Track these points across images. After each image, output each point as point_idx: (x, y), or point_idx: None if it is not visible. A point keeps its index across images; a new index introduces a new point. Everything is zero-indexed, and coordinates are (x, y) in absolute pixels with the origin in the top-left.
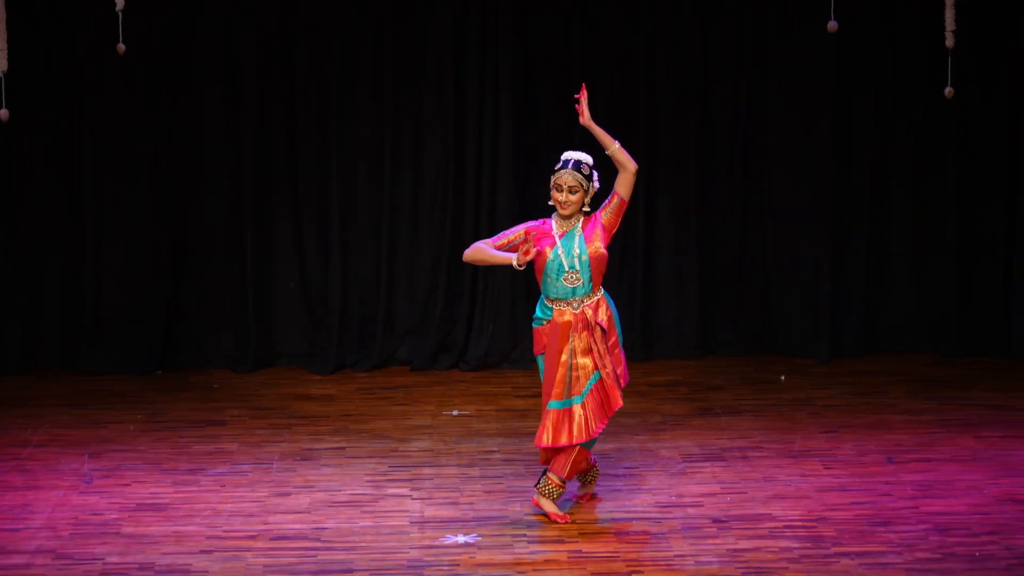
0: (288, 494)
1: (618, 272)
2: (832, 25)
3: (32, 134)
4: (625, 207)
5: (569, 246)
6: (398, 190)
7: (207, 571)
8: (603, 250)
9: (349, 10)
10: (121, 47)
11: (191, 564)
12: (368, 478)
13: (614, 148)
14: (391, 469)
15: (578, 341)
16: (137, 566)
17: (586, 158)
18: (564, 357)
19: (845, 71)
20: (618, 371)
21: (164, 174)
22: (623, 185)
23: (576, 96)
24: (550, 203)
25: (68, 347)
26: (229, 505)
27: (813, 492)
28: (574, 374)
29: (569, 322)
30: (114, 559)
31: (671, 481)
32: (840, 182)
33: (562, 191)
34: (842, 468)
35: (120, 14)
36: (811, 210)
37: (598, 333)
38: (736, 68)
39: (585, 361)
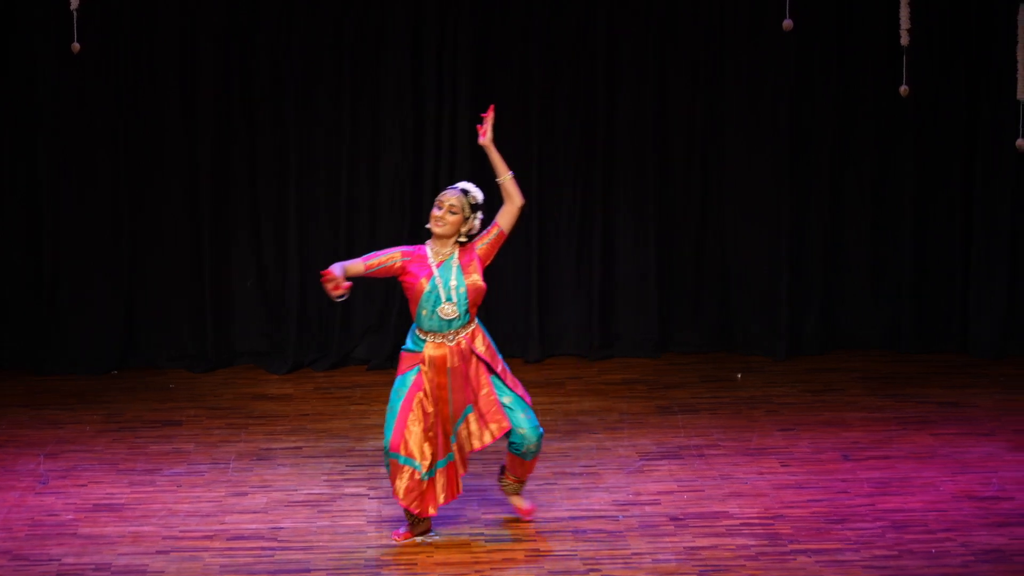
0: (245, 494)
1: (575, 270)
2: (787, 23)
3: None
4: (503, 240)
5: (446, 277)
6: (356, 190)
7: (164, 571)
8: (481, 282)
9: (307, 13)
10: (76, 46)
11: (148, 564)
12: (325, 477)
13: (506, 177)
14: (348, 468)
15: (453, 378)
16: (93, 567)
17: (476, 191)
18: (443, 394)
19: (802, 69)
20: (518, 392)
21: (122, 175)
22: (506, 216)
23: (483, 115)
24: (427, 226)
25: (25, 347)
26: (186, 505)
27: (770, 490)
28: (452, 413)
29: (444, 356)
30: (70, 560)
31: (628, 479)
32: (797, 181)
33: (441, 208)
34: (799, 466)
35: (75, 13)
36: (769, 209)
37: (474, 363)
38: (693, 67)
39: (463, 396)
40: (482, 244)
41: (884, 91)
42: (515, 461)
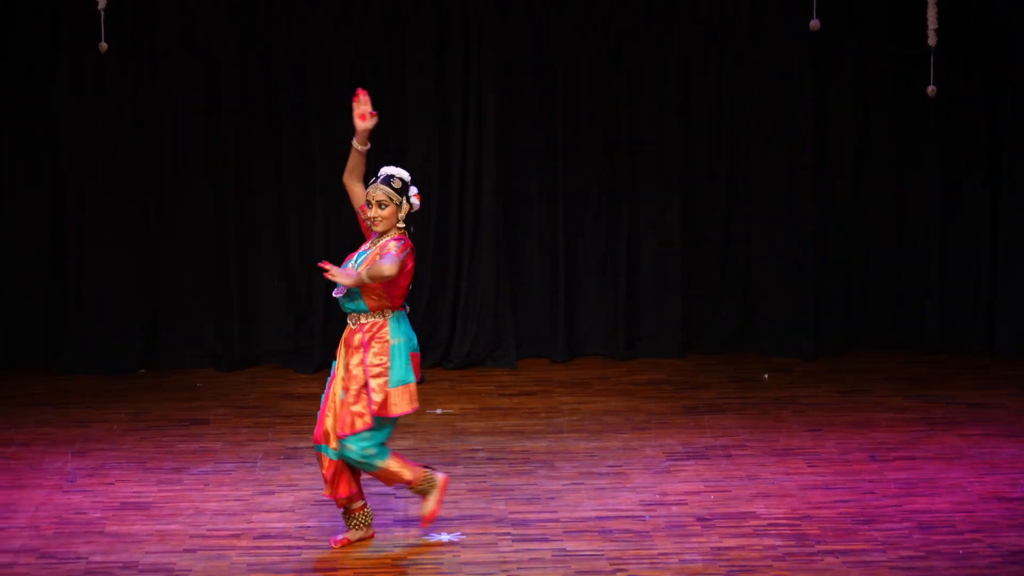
0: (272, 493)
1: (602, 270)
2: (814, 23)
3: (12, 133)
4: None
5: (358, 260)
6: None
7: (191, 570)
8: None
9: (330, 10)
10: (103, 46)
11: (175, 563)
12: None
13: (364, 275)
14: None
15: (340, 359)
16: (121, 565)
17: (400, 172)
18: (341, 373)
19: (825, 71)
20: (374, 404)
21: (147, 173)
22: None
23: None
24: (367, 216)
25: (51, 346)
26: (213, 504)
27: (797, 490)
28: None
29: (344, 336)
30: (98, 558)
31: (655, 479)
32: (821, 180)
33: (371, 207)
34: (826, 466)
35: (102, 13)
36: (793, 209)
37: (356, 360)
38: (717, 68)
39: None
40: (384, 249)
41: (907, 91)
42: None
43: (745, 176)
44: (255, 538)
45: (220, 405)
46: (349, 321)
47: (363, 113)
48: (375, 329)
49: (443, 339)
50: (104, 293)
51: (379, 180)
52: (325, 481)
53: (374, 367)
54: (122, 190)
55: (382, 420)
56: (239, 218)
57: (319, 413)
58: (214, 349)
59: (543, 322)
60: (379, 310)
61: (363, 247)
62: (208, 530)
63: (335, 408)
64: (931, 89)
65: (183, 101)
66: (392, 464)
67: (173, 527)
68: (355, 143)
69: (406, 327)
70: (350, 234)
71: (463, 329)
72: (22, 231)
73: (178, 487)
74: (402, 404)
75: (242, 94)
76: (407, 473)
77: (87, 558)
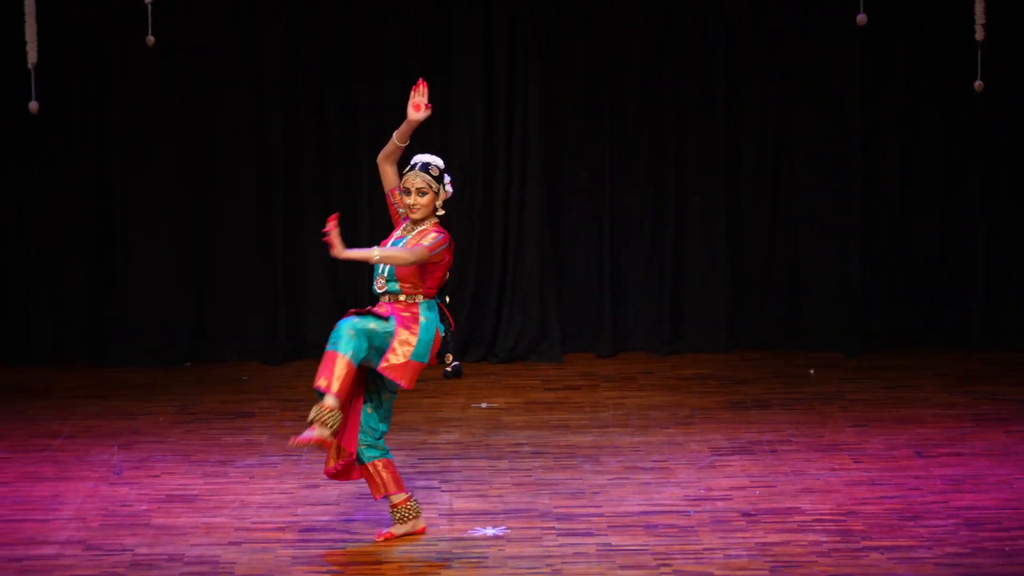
0: (317, 486)
1: (647, 265)
2: (861, 18)
3: (59, 126)
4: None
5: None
6: None
7: (236, 562)
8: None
9: (378, 1)
10: (150, 39)
11: (220, 555)
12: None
13: (376, 254)
14: (420, 461)
15: None
16: (166, 557)
17: (436, 160)
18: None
19: (872, 67)
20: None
21: (192, 165)
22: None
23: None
24: (404, 204)
25: (97, 339)
26: (258, 497)
27: (842, 486)
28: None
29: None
30: (143, 550)
31: (700, 474)
32: (868, 175)
33: (410, 194)
34: (871, 462)
35: (149, 6)
36: (839, 204)
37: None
38: (763, 65)
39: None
40: (428, 244)
41: (955, 86)
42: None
43: (791, 171)
44: (300, 531)
45: (266, 398)
46: (382, 300)
47: (419, 103)
48: (407, 310)
49: (488, 333)
50: (150, 286)
51: (417, 167)
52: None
53: (403, 332)
54: (168, 182)
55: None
56: (285, 210)
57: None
58: (260, 342)
59: (588, 317)
60: (412, 295)
61: (395, 234)
62: (253, 523)
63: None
64: (978, 84)
65: (230, 92)
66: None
67: (218, 520)
68: (396, 137)
69: (435, 314)
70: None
71: (508, 323)
72: (69, 224)
73: (224, 480)
74: (406, 379)
75: (289, 85)
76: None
77: (133, 550)
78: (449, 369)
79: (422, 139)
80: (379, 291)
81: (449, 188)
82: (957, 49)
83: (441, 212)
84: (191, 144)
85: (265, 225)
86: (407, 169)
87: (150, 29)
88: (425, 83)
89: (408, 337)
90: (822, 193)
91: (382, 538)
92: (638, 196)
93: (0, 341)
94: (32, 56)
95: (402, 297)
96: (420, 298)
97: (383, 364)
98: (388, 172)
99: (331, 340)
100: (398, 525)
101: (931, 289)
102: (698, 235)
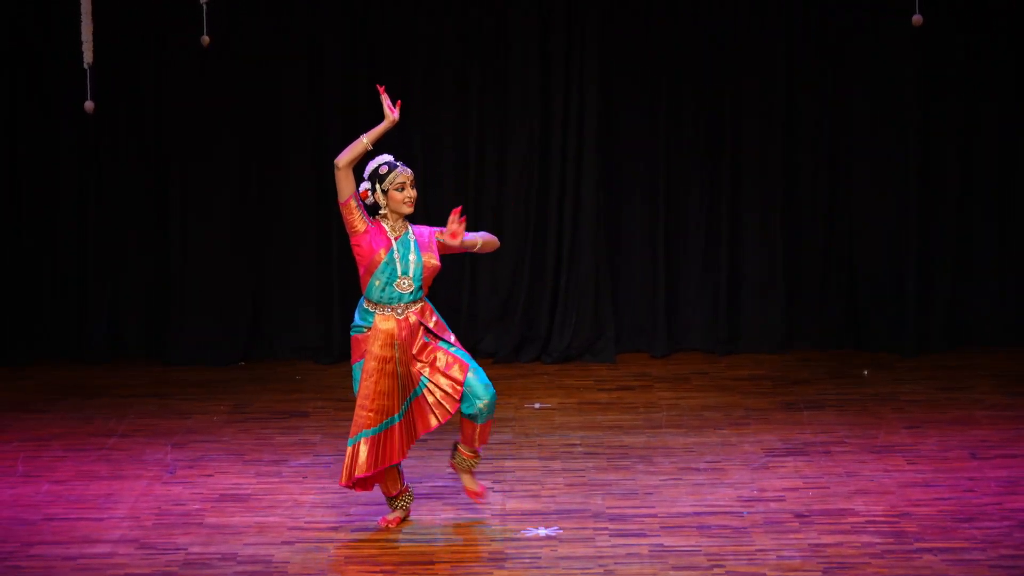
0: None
1: (702, 265)
2: (917, 18)
3: (118, 125)
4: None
5: (404, 251)
6: (482, 181)
7: (289, 562)
8: (436, 261)
9: (434, 5)
10: (206, 39)
11: (273, 555)
12: (450, 470)
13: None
14: None
15: (401, 352)
16: (219, 556)
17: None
18: (391, 367)
19: (929, 65)
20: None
21: (248, 162)
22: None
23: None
24: (370, 202)
25: (153, 337)
26: (311, 496)
27: (896, 487)
28: (402, 382)
29: (392, 330)
30: (196, 549)
31: (753, 475)
32: (925, 175)
33: (403, 189)
34: (925, 463)
35: (205, 6)
36: (896, 205)
37: (420, 336)
38: (820, 67)
39: (411, 370)
40: (440, 238)
41: (1013, 88)
42: (467, 428)
43: (848, 170)
44: (353, 531)
45: (320, 398)
46: (392, 312)
47: (391, 107)
48: (424, 308)
49: (542, 333)
50: (207, 284)
51: (400, 165)
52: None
53: (440, 328)
54: (224, 181)
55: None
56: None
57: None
58: (314, 341)
59: (643, 316)
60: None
61: (384, 241)
62: (306, 522)
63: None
64: None
65: (287, 91)
66: None
67: (272, 519)
68: (368, 139)
69: None
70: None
71: (562, 323)
72: (126, 222)
73: (277, 479)
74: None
75: (346, 80)
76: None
77: (186, 549)
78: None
79: (479, 138)
80: (403, 293)
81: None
82: (1014, 49)
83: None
84: (247, 143)
85: (321, 224)
86: (391, 168)
87: (205, 28)
88: (384, 88)
89: (440, 325)
90: (879, 193)
91: (385, 523)
92: (694, 196)
93: (58, 339)
94: (88, 56)
95: (417, 304)
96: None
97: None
98: (351, 176)
99: (491, 411)
100: (399, 511)
101: (988, 289)
102: (754, 235)
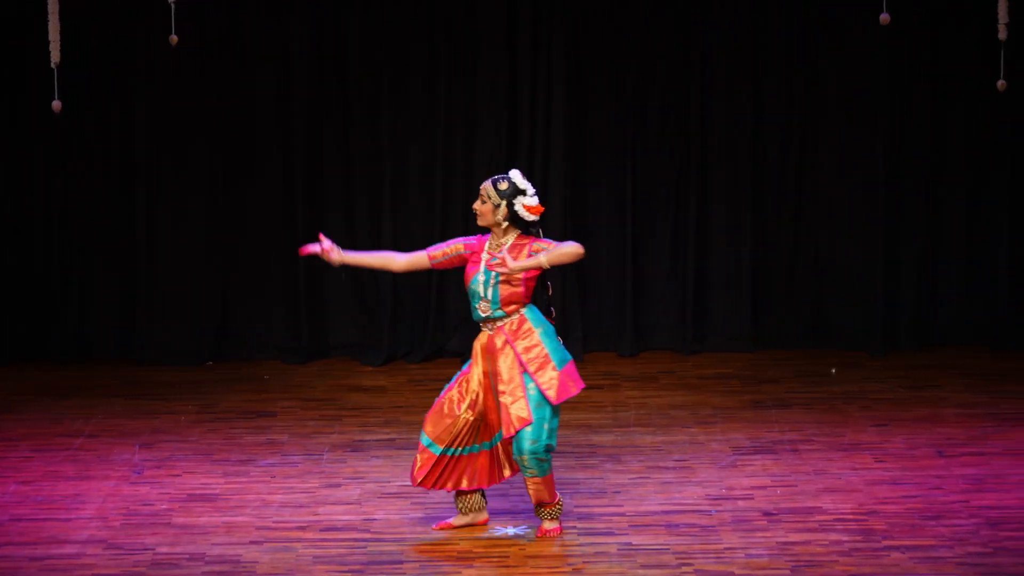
0: (338, 485)
1: (670, 265)
2: (884, 17)
3: (85, 125)
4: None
5: (490, 272)
6: (450, 181)
7: (257, 562)
8: (517, 287)
9: (399, 3)
10: (174, 38)
11: (241, 555)
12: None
13: (543, 260)
14: None
15: (481, 368)
16: (187, 556)
17: (516, 178)
18: (474, 382)
19: (897, 66)
20: (549, 392)
21: (217, 164)
22: (562, 256)
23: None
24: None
25: (121, 338)
26: (279, 496)
27: (863, 485)
28: (477, 410)
29: (484, 345)
30: (164, 549)
31: (721, 474)
32: (893, 175)
33: (477, 199)
34: (893, 462)
35: (173, 6)
36: (864, 203)
37: (506, 358)
38: (788, 64)
39: (483, 395)
40: (538, 246)
41: (980, 86)
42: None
43: (815, 169)
44: (321, 530)
45: (287, 397)
46: (484, 327)
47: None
48: (517, 325)
49: None
50: (175, 285)
51: (493, 178)
52: (420, 470)
53: (532, 361)
54: (192, 181)
55: (556, 409)
56: (308, 210)
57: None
58: (282, 341)
59: (610, 315)
60: (515, 312)
61: (476, 263)
62: (274, 522)
63: (487, 409)
64: (1001, 84)
65: (254, 91)
66: (551, 474)
67: (240, 519)
68: (334, 261)
69: (540, 314)
70: (417, 225)
71: None
72: (94, 222)
73: (245, 479)
74: (572, 386)
75: (314, 83)
76: (554, 490)
77: (154, 549)
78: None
79: (447, 141)
80: (484, 315)
81: (521, 210)
82: (981, 48)
83: (503, 225)
84: (215, 143)
85: (289, 224)
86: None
87: (173, 28)
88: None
89: (542, 363)
90: (847, 192)
91: (439, 528)
92: (661, 195)
93: (26, 339)
94: (55, 56)
95: (507, 320)
96: (522, 308)
97: (551, 396)
98: (411, 265)
99: (540, 468)
100: (460, 516)
101: (956, 289)
102: (722, 234)
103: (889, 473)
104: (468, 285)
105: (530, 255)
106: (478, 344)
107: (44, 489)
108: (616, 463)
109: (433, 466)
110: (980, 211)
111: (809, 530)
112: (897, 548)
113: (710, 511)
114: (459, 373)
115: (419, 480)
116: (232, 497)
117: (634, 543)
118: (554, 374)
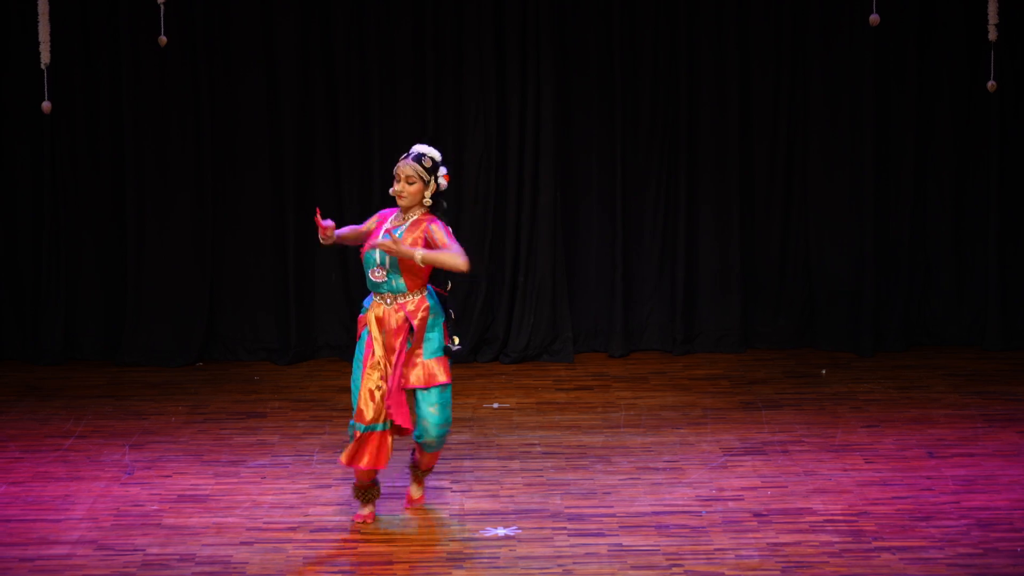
0: (329, 486)
1: (659, 265)
2: (874, 18)
3: (74, 126)
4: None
5: (388, 236)
6: None
7: (247, 562)
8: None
9: (390, 1)
10: (163, 39)
11: (231, 555)
12: (408, 470)
13: (418, 257)
14: None
15: (387, 338)
16: (178, 557)
17: (431, 152)
18: (378, 353)
19: (886, 67)
20: (436, 383)
21: (205, 165)
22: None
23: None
24: (390, 191)
25: (109, 338)
26: (270, 497)
27: (854, 486)
28: (381, 373)
29: (380, 317)
30: (155, 550)
31: (712, 475)
32: (881, 174)
33: (399, 181)
34: (883, 462)
35: (162, 7)
36: (853, 204)
37: (403, 338)
38: (776, 65)
39: (386, 364)
40: (435, 236)
41: (967, 87)
42: (419, 449)
43: (804, 170)
44: (312, 531)
45: (277, 398)
46: (381, 300)
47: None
48: (419, 306)
49: (500, 333)
50: (163, 286)
51: (410, 157)
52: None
53: (428, 340)
54: (181, 182)
55: (450, 385)
56: (298, 210)
57: (366, 393)
58: (272, 342)
59: (600, 317)
60: (417, 288)
61: (386, 224)
62: (265, 523)
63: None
64: (991, 84)
65: (242, 92)
66: None
67: (230, 520)
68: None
69: (437, 301)
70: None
71: (520, 323)
72: (82, 223)
73: (235, 480)
74: (442, 375)
75: (302, 85)
76: None
77: (144, 550)
78: (454, 350)
79: (436, 143)
80: (377, 281)
81: (442, 181)
82: (970, 49)
83: (428, 203)
84: (204, 144)
85: (277, 225)
86: (402, 156)
87: (162, 29)
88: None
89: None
90: (835, 193)
91: (361, 520)
92: (650, 196)
93: (14, 340)
94: (45, 56)
95: (409, 296)
96: (423, 289)
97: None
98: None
99: (439, 439)
100: (370, 506)
101: (945, 289)
102: (711, 235)
103: (879, 474)
104: (364, 252)
105: (424, 237)
106: (372, 315)
107: (34, 490)
108: (606, 464)
109: (362, 443)
110: (968, 211)
111: (799, 531)
112: (887, 549)
113: (700, 512)
114: (362, 352)
115: (349, 460)
116: (222, 498)
117: (624, 544)
118: (431, 361)
